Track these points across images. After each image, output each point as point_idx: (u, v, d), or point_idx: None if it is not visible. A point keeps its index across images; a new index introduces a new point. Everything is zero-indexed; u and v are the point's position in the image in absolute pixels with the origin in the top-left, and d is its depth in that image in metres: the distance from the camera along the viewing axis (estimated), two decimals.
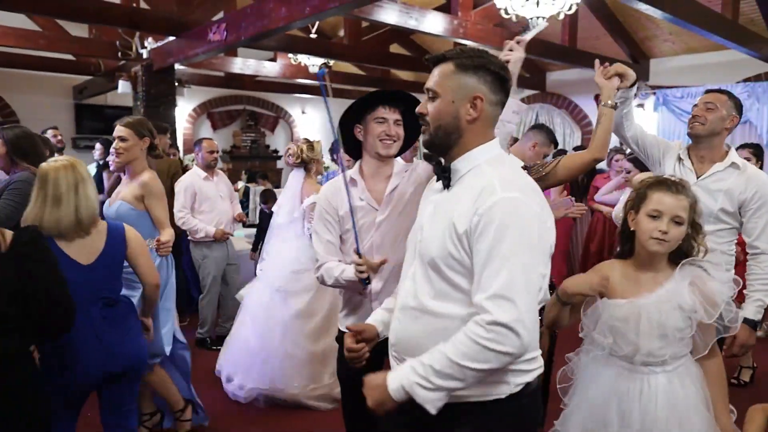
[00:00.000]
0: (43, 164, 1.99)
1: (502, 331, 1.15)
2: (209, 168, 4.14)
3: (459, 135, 1.30)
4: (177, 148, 5.48)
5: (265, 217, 4.70)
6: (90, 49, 6.71)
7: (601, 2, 6.91)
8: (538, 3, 4.54)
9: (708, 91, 2.47)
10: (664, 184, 1.64)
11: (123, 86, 6.39)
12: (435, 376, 1.17)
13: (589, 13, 7.02)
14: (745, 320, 2.18)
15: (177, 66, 6.39)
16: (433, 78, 1.32)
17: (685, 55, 7.77)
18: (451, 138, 1.31)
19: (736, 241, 2.39)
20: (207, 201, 4.05)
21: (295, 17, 3.93)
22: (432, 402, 1.18)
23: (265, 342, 3.18)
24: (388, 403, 1.21)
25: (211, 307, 4.17)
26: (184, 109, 10.25)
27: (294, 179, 3.35)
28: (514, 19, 4.79)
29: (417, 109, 1.37)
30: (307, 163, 3.31)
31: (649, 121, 8.03)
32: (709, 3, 6.03)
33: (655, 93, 7.83)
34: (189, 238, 4.13)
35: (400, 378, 1.21)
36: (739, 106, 2.40)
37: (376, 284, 1.85)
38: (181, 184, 4.03)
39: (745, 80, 7.23)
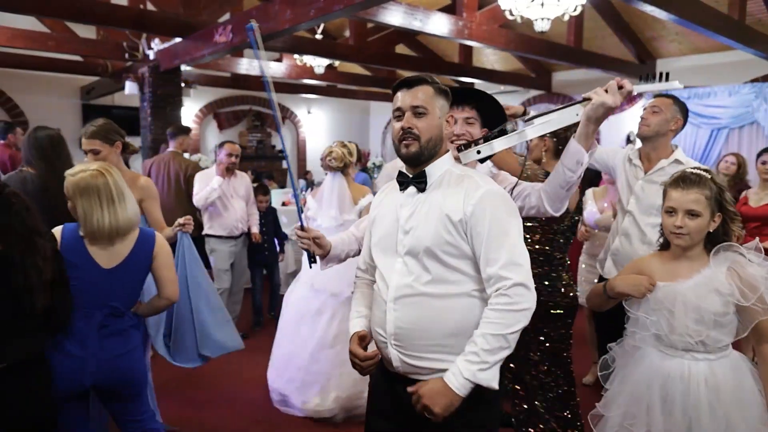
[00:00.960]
0: (84, 172, 1.97)
1: (521, 290, 1.38)
2: (227, 171, 4.13)
3: (440, 146, 1.51)
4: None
5: (265, 220, 4.68)
6: (97, 50, 6.77)
7: (608, 3, 6.89)
8: (543, 4, 4.54)
9: (655, 96, 2.65)
10: (676, 180, 1.73)
11: (130, 87, 6.44)
12: (489, 355, 1.35)
13: (595, 13, 7.01)
14: None
15: (183, 67, 6.44)
16: (419, 98, 1.46)
17: (692, 56, 7.73)
18: (435, 149, 1.50)
19: None
20: (219, 198, 4.08)
21: (300, 19, 3.95)
22: (494, 378, 1.37)
23: (341, 352, 3.09)
24: (456, 402, 1.36)
25: (230, 300, 4.20)
26: (190, 109, 10.31)
27: (335, 182, 3.29)
28: (519, 20, 4.79)
29: (404, 124, 1.47)
30: (347, 166, 3.32)
31: None
32: (716, 4, 6.01)
33: (661, 93, 7.80)
34: (204, 232, 4.18)
35: (461, 373, 1.36)
36: (683, 110, 2.56)
37: None
38: (198, 176, 4.16)
39: (753, 81, 7.19)
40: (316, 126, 12.61)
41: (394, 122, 1.49)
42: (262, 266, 4.67)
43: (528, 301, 1.39)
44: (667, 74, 1.43)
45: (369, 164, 9.38)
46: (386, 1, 3.73)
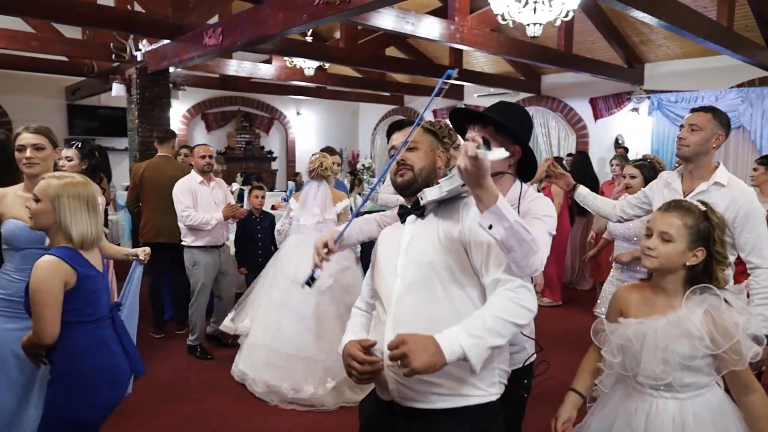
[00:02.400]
0: (72, 179, 1.93)
1: (526, 292, 1.38)
2: (203, 173, 4.09)
3: (433, 176, 1.59)
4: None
5: (252, 222, 4.62)
6: (83, 50, 6.66)
7: (597, 7, 6.93)
8: (535, 9, 4.54)
9: (693, 110, 2.44)
10: (666, 203, 1.68)
11: (117, 89, 6.35)
12: (488, 334, 1.31)
13: (584, 17, 7.05)
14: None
15: (171, 68, 6.35)
16: (412, 134, 1.57)
17: (680, 60, 7.80)
18: (429, 178, 1.58)
19: (731, 256, 2.36)
20: (200, 206, 4.01)
21: (292, 23, 3.91)
22: (480, 359, 1.32)
23: (322, 343, 3.31)
24: (438, 365, 1.29)
25: (200, 315, 4.12)
26: (178, 110, 10.21)
27: (320, 189, 3.68)
28: (511, 24, 4.79)
29: (397, 158, 1.57)
30: (333, 174, 3.78)
31: (644, 124, 8.08)
32: (704, 10, 6.07)
33: (649, 97, 7.88)
34: (183, 242, 4.10)
35: (458, 340, 1.30)
36: (725, 123, 2.39)
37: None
38: (178, 188, 4.00)
39: (739, 85, 7.28)
40: (305, 127, 12.55)
41: (391, 160, 1.61)
42: (257, 272, 4.62)
43: (531, 303, 1.38)
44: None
45: (358, 166, 9.34)
46: (380, 7, 3.70)
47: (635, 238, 3.31)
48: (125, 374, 2.00)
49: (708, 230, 1.59)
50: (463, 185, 1.35)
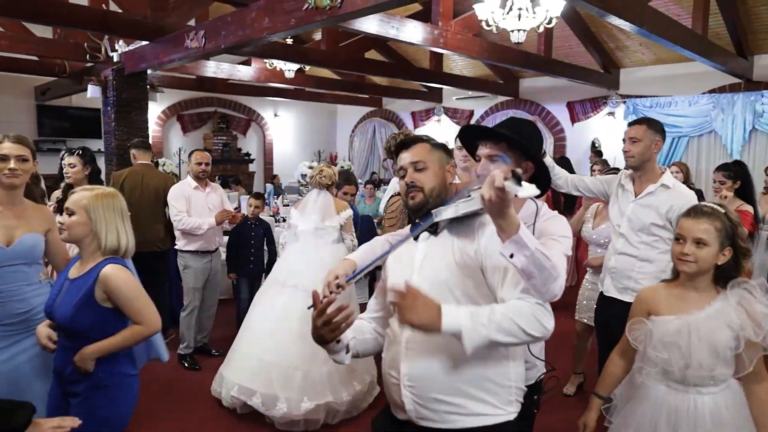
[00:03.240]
0: (103, 190, 1.98)
1: (542, 308, 1.35)
2: (199, 180, 4.04)
3: (445, 194, 1.56)
4: (156, 164, 5.19)
5: (247, 229, 4.55)
6: (55, 50, 6.45)
7: (576, 14, 7.05)
8: (519, 16, 4.59)
9: (630, 124, 2.74)
10: (689, 211, 1.76)
11: (92, 90, 6.17)
12: (492, 326, 1.30)
13: (563, 23, 7.15)
14: None
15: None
16: (417, 154, 1.57)
17: (654, 66, 7.99)
18: (440, 197, 1.55)
19: (669, 249, 2.64)
20: (194, 211, 3.94)
21: (279, 28, 3.85)
22: (474, 344, 1.30)
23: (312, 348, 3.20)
24: (431, 329, 1.29)
25: (191, 322, 4.05)
26: (153, 111, 9.92)
27: (319, 197, 3.61)
28: (494, 30, 4.83)
29: (407, 179, 1.55)
30: (333, 184, 3.71)
31: (620, 128, 8.22)
32: (678, 17, 6.23)
33: (625, 102, 8.03)
34: (176, 247, 4.04)
35: (459, 317, 1.30)
36: (659, 130, 2.68)
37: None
38: (172, 193, 3.98)
39: (711, 91, 7.49)
40: (283, 129, 12.44)
41: (400, 180, 1.59)
42: (249, 278, 4.55)
43: (547, 320, 1.34)
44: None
45: (336, 168, 9.28)
46: (371, 14, 3.68)
47: (606, 240, 3.36)
48: (136, 379, 2.07)
49: (732, 229, 1.70)
50: (481, 209, 1.34)
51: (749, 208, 3.76)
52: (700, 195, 4.78)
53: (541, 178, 1.70)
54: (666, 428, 1.69)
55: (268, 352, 3.20)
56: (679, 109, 7.43)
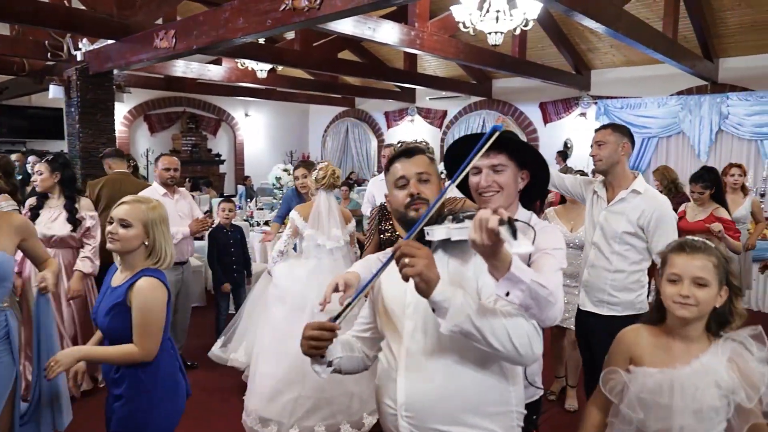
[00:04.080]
0: (152, 202, 1.98)
1: (537, 332, 1.28)
2: (167, 186, 3.83)
3: (439, 209, 1.45)
4: (136, 165, 4.94)
5: (223, 236, 4.40)
6: (13, 48, 6.14)
7: (548, 15, 7.10)
8: (497, 18, 4.57)
9: (596, 130, 2.69)
10: (681, 245, 1.52)
11: (54, 91, 5.90)
12: (481, 320, 1.22)
13: (536, 25, 7.20)
14: None
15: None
16: (422, 165, 1.49)
17: (624, 68, 8.13)
18: (441, 210, 1.47)
19: (645, 261, 2.60)
20: None
21: (254, 29, 3.73)
22: (451, 326, 1.21)
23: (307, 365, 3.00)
24: (427, 289, 1.20)
25: (174, 330, 3.88)
26: (119, 111, 9.59)
27: (330, 200, 3.24)
28: (471, 32, 4.81)
29: (412, 190, 1.45)
30: (336, 185, 3.30)
31: (592, 129, 8.32)
32: (648, 20, 6.33)
33: (596, 103, 8.16)
34: None
35: (452, 296, 1.21)
36: (626, 133, 2.62)
37: None
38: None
39: (678, 93, 7.66)
40: (254, 129, 12.23)
41: (397, 191, 1.47)
42: (234, 286, 4.40)
43: (536, 342, 1.26)
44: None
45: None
46: (350, 15, 3.60)
47: (576, 243, 3.36)
48: (182, 384, 2.05)
49: (726, 265, 1.50)
50: None
51: (725, 213, 3.82)
52: (679, 201, 4.86)
53: (536, 187, 1.66)
54: None
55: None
56: (648, 110, 7.60)
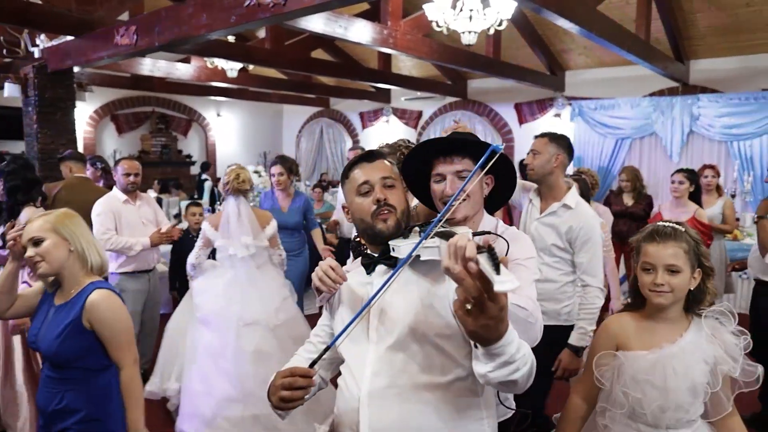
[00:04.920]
0: (59, 211, 1.85)
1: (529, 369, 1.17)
2: (128, 192, 3.62)
3: (407, 221, 1.36)
4: (107, 168, 4.67)
5: (189, 242, 4.22)
6: None
7: (522, 15, 7.07)
8: (470, 17, 4.50)
9: (535, 137, 2.65)
10: (651, 234, 1.58)
11: (10, 89, 5.62)
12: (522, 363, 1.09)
13: (510, 25, 7.16)
14: (569, 346, 2.43)
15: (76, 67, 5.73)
16: (386, 169, 1.37)
17: (598, 69, 8.16)
18: (408, 221, 1.36)
19: (574, 273, 2.55)
20: (126, 228, 3.54)
21: (218, 25, 3.58)
22: (500, 376, 1.08)
23: (247, 381, 2.87)
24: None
25: (142, 344, 3.67)
26: (84, 110, 9.35)
27: (241, 206, 3.09)
28: (445, 31, 4.72)
29: (378, 195, 1.33)
30: (251, 189, 3.19)
31: (566, 130, 8.35)
32: (621, 21, 6.34)
33: (571, 104, 8.17)
34: (110, 271, 3.62)
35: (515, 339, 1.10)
36: (563, 145, 2.55)
37: None
38: (98, 207, 3.51)
39: (651, 94, 7.71)
40: (226, 129, 11.97)
41: (360, 198, 1.33)
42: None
43: (529, 373, 1.13)
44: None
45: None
46: (317, 12, 3.47)
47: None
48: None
49: (697, 248, 1.56)
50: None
51: (705, 217, 3.84)
52: (649, 202, 4.87)
53: (501, 192, 1.57)
54: None
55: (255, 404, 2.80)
56: (622, 111, 7.62)
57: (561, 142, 2.56)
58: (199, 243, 3.15)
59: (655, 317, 1.60)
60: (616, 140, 7.75)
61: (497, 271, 0.87)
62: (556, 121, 8.63)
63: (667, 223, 1.60)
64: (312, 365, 1.22)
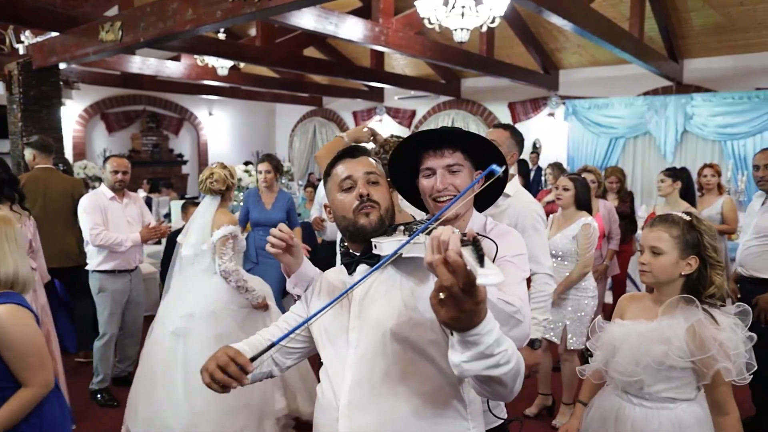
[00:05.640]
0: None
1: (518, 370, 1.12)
2: (115, 190, 3.55)
3: (391, 218, 1.30)
4: (69, 170, 4.54)
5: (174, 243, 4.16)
6: None
7: (516, 13, 7.02)
8: (463, 14, 4.43)
9: (494, 126, 2.49)
10: (652, 220, 1.72)
11: None
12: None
13: (504, 24, 7.11)
14: None
15: (63, 64, 5.64)
16: (370, 165, 1.31)
17: (592, 68, 8.12)
18: (392, 220, 1.30)
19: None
20: (111, 225, 3.46)
21: (204, 20, 3.50)
22: (475, 368, 1.00)
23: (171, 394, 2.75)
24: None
25: (107, 352, 3.57)
26: (73, 109, 9.22)
27: (205, 207, 2.98)
28: (437, 29, 4.66)
29: (361, 190, 1.25)
30: (229, 189, 3.00)
31: (560, 129, 8.33)
32: (614, 20, 6.30)
33: (564, 103, 8.12)
34: (87, 267, 3.56)
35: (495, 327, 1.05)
36: (519, 142, 2.42)
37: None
38: (85, 203, 3.45)
39: (644, 93, 7.68)
40: (218, 128, 11.87)
41: (342, 195, 1.26)
42: None
43: (515, 374, 1.03)
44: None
45: None
46: (302, 7, 3.39)
47: (562, 252, 3.25)
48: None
49: (696, 238, 1.62)
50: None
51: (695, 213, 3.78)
52: (631, 199, 4.81)
53: (490, 189, 1.49)
54: (604, 427, 1.72)
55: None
56: (615, 110, 7.58)
57: (519, 138, 2.42)
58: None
59: (653, 297, 1.73)
60: (609, 139, 7.72)
61: (481, 264, 0.82)
62: (550, 120, 8.59)
63: (673, 213, 1.72)
64: (253, 360, 1.14)
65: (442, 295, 0.86)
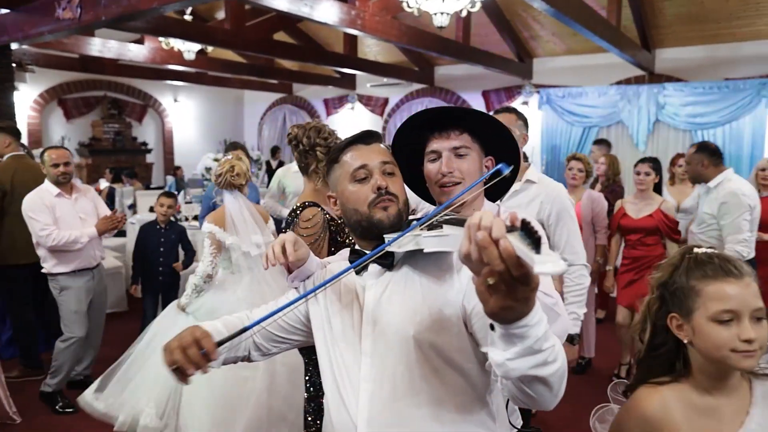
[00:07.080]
0: None
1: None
2: (60, 185, 3.25)
3: (406, 213, 1.19)
4: (30, 154, 4.20)
5: (155, 234, 3.91)
6: None
7: (491, 0, 6.92)
8: None
9: (497, 111, 2.36)
10: (723, 268, 1.11)
11: None
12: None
13: (480, 10, 7.00)
14: None
15: (15, 45, 5.26)
16: (386, 154, 1.20)
17: (566, 56, 8.10)
18: (408, 213, 1.21)
19: None
20: (62, 224, 3.19)
21: None
22: (522, 368, 0.88)
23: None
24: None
25: (72, 353, 3.33)
26: (27, 94, 8.72)
27: (241, 202, 2.84)
28: (416, 13, 4.51)
29: (379, 182, 1.14)
30: (247, 181, 2.91)
31: (534, 118, 8.28)
32: (593, 6, 6.27)
33: (538, 92, 8.10)
34: (44, 270, 3.29)
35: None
36: (526, 124, 2.37)
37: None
38: (29, 204, 3.15)
39: (618, 83, 7.71)
40: (184, 115, 11.46)
41: (355, 186, 1.14)
42: (157, 294, 3.92)
43: (562, 375, 0.92)
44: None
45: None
46: None
47: None
48: None
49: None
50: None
51: (671, 210, 3.72)
52: (621, 194, 4.79)
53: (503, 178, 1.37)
54: None
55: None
56: (589, 99, 7.60)
57: (525, 119, 2.35)
58: (209, 250, 2.75)
59: (711, 390, 1.14)
60: (583, 128, 7.74)
61: (537, 249, 0.69)
62: (524, 108, 8.53)
63: (707, 249, 1.17)
64: (220, 344, 0.99)
65: (491, 281, 0.72)
